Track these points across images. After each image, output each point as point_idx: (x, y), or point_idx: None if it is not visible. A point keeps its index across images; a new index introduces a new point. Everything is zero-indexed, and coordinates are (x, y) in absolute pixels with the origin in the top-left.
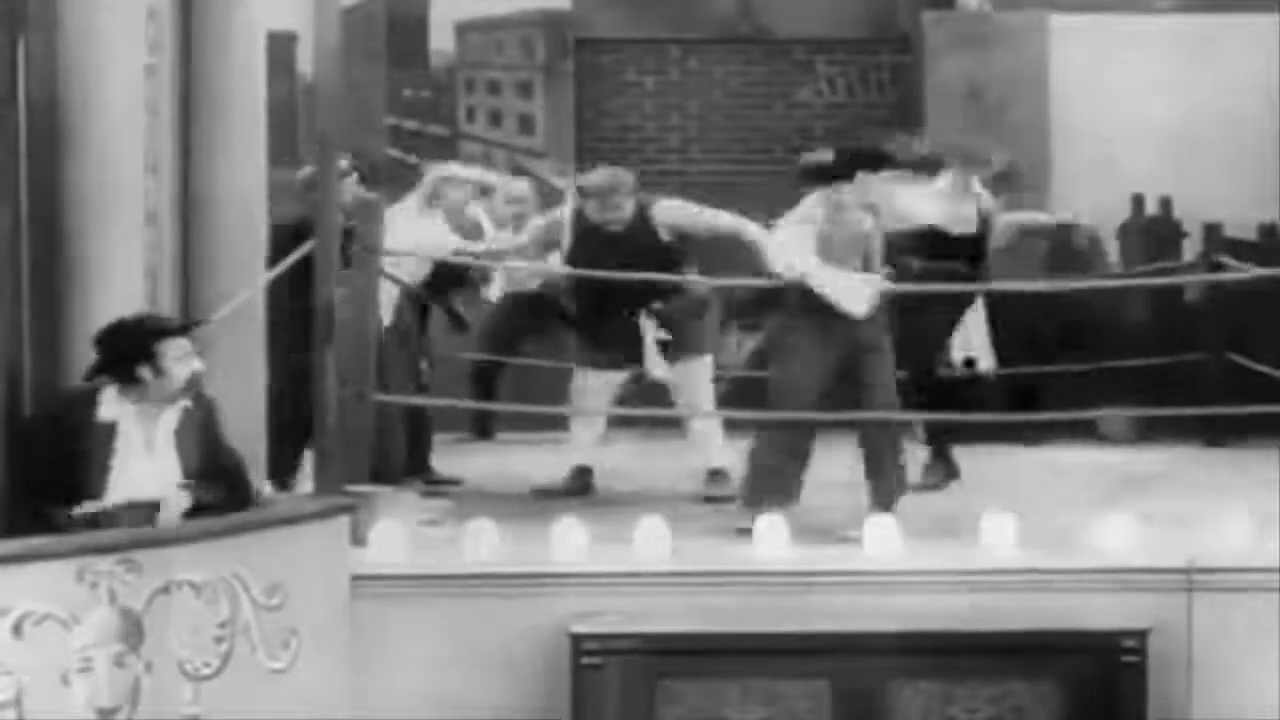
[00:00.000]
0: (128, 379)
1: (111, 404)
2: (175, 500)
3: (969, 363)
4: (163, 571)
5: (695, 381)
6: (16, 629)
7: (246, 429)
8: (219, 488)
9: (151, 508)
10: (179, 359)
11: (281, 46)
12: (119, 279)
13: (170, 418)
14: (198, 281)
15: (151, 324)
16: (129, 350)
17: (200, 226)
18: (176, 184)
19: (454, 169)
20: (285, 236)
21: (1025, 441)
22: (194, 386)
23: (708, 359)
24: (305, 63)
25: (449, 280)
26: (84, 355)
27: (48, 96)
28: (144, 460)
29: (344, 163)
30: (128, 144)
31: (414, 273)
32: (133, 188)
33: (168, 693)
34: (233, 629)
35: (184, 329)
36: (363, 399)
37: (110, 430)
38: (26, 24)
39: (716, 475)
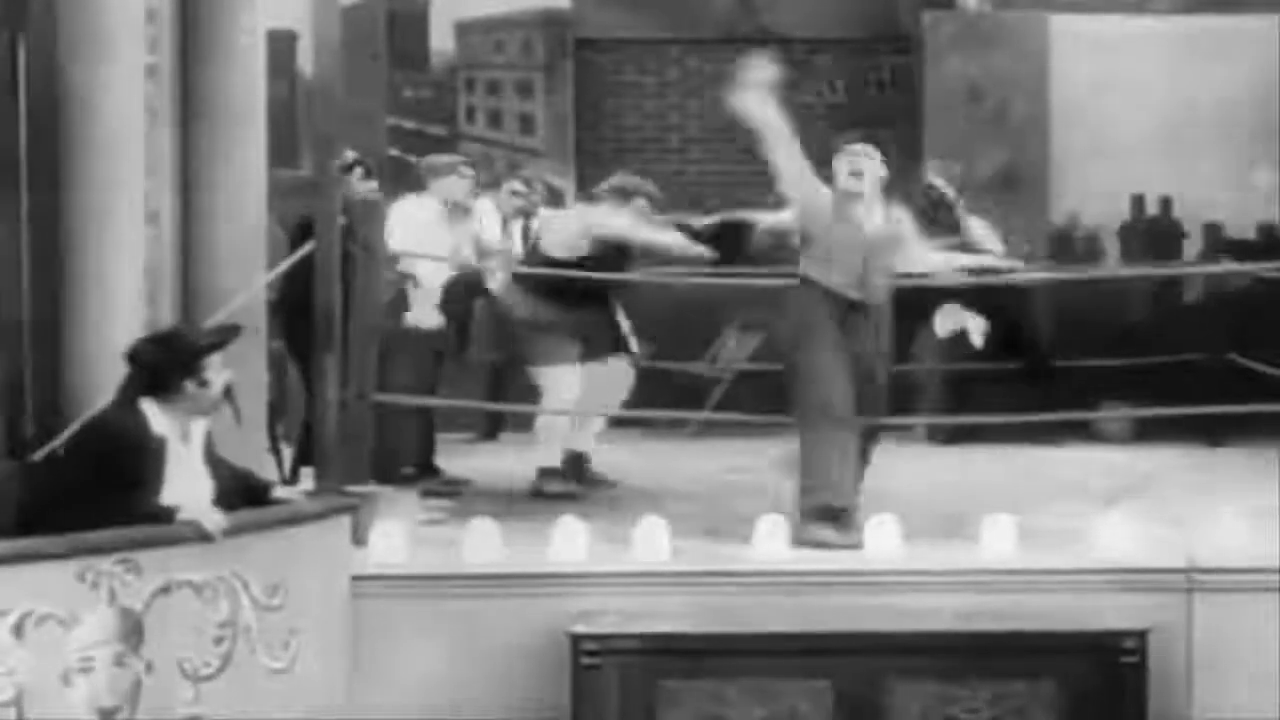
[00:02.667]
0: (172, 393)
1: (158, 418)
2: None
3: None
4: (163, 571)
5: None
6: (17, 629)
7: (247, 428)
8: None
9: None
10: (218, 370)
11: (281, 46)
12: (119, 279)
13: (200, 428)
14: (198, 281)
15: (193, 337)
16: (177, 365)
17: (200, 226)
18: (176, 183)
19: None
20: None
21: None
22: (230, 394)
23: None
24: (305, 62)
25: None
26: (85, 354)
27: (48, 96)
28: (188, 473)
29: (350, 155)
30: (128, 144)
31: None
32: (133, 187)
33: (168, 692)
34: (233, 629)
35: (224, 339)
36: (363, 399)
37: (163, 443)
38: (26, 24)
39: (546, 473)
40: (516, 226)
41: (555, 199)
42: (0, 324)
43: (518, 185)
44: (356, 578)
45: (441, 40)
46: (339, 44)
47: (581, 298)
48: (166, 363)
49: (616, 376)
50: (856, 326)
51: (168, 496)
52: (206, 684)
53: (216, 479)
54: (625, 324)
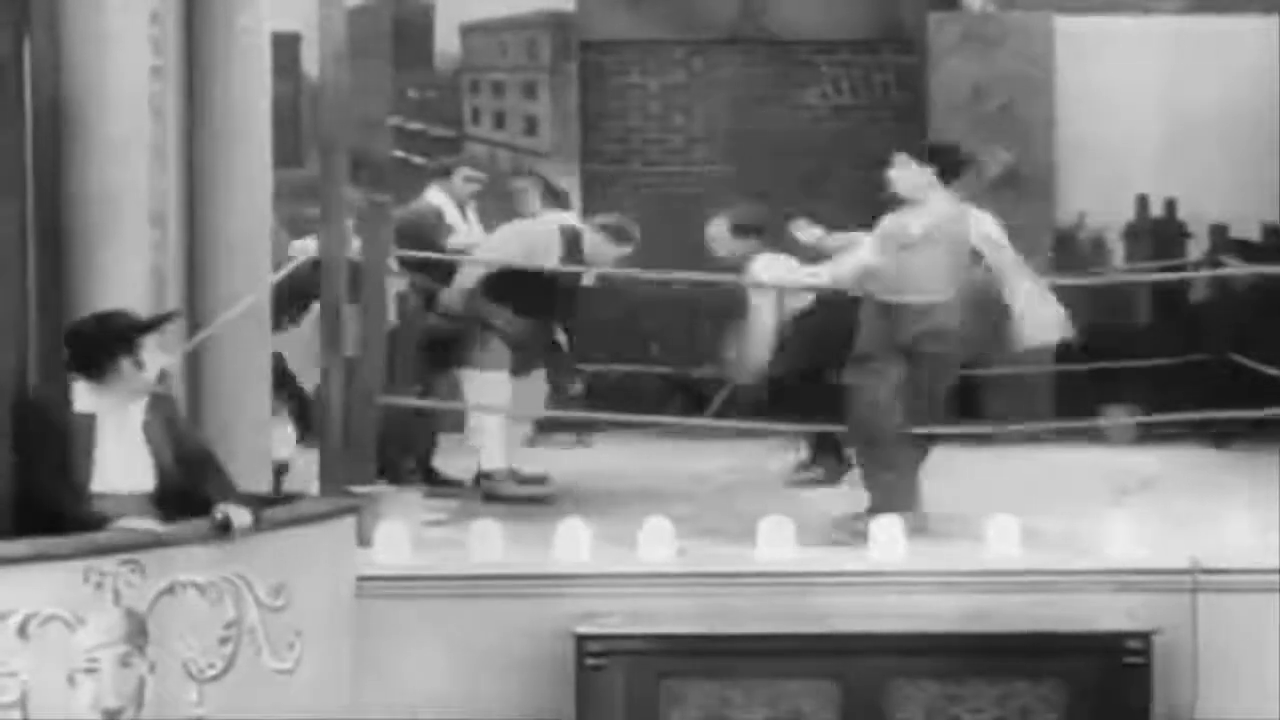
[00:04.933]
0: (106, 372)
1: (85, 396)
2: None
3: None
4: (167, 572)
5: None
6: (22, 630)
7: (250, 430)
8: (204, 473)
9: (142, 498)
10: (154, 352)
11: (286, 47)
12: (124, 280)
13: (137, 411)
14: (203, 282)
15: (129, 319)
16: (112, 343)
17: (205, 227)
18: (182, 185)
19: None
20: None
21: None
22: (164, 380)
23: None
24: (310, 63)
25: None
26: None
27: (53, 98)
28: (118, 451)
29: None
30: (133, 145)
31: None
32: (138, 189)
33: (172, 693)
34: (237, 630)
35: (162, 322)
36: (369, 400)
37: (91, 421)
38: (31, 25)
39: (489, 476)
40: (473, 214)
41: (560, 201)
42: (6, 325)
43: (470, 171)
44: (361, 578)
45: (446, 42)
46: (344, 45)
47: (529, 307)
48: (104, 338)
49: (534, 391)
50: None
51: (105, 478)
52: (211, 685)
53: (181, 460)
54: (564, 341)
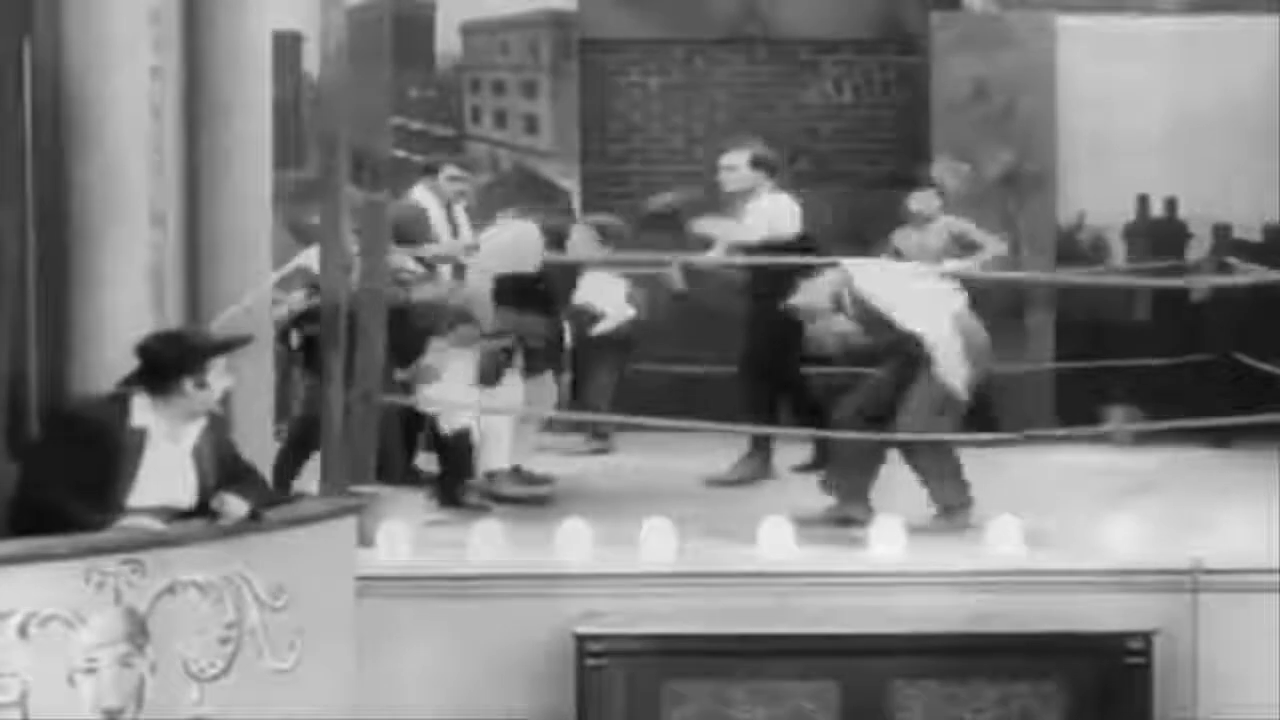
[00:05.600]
0: (170, 390)
1: (144, 411)
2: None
3: None
4: (168, 572)
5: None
6: (22, 629)
7: (252, 431)
8: (252, 490)
9: (176, 515)
10: (219, 375)
11: (287, 47)
12: (125, 281)
13: (193, 429)
14: (203, 283)
15: (200, 339)
16: (179, 362)
17: (206, 228)
18: (182, 185)
19: None
20: None
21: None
22: (225, 402)
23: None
24: (311, 63)
25: None
26: (89, 356)
27: (53, 98)
28: (168, 469)
29: None
30: (133, 146)
31: None
32: (138, 189)
33: (173, 693)
34: (238, 629)
35: (233, 345)
36: (370, 400)
37: (142, 436)
38: (32, 26)
39: (493, 476)
40: (460, 213)
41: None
42: (6, 326)
43: (455, 170)
44: (362, 578)
45: (447, 41)
46: (345, 45)
47: (530, 306)
48: (171, 358)
49: (544, 392)
50: None
51: (144, 491)
52: (211, 684)
53: (228, 479)
54: (568, 340)
